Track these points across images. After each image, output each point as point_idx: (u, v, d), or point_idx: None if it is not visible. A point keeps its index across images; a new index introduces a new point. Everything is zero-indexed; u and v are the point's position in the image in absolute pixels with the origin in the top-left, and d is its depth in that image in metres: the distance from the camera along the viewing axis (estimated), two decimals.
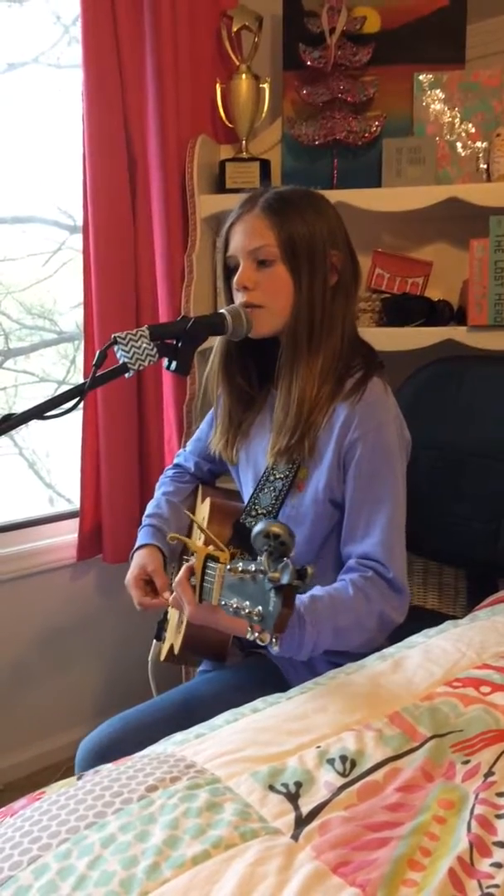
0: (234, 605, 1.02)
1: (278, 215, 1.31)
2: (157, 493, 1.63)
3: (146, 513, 1.57)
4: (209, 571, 1.14)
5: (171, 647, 1.45)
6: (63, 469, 2.41)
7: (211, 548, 1.15)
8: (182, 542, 1.27)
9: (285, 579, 0.93)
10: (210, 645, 1.36)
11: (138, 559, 1.47)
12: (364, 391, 1.32)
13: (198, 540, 1.47)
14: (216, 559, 1.13)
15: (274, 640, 0.96)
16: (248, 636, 0.98)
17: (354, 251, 1.39)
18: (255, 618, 0.97)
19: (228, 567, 1.05)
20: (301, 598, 1.21)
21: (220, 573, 1.09)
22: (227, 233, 1.37)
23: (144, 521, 1.55)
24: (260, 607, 0.97)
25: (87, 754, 1.31)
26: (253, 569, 1.00)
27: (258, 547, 0.97)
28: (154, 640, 1.56)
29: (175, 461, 1.71)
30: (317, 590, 1.25)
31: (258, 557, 0.98)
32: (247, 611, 0.99)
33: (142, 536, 1.52)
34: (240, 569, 1.03)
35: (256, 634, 0.97)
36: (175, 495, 1.61)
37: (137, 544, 1.51)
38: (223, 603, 1.06)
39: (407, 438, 1.40)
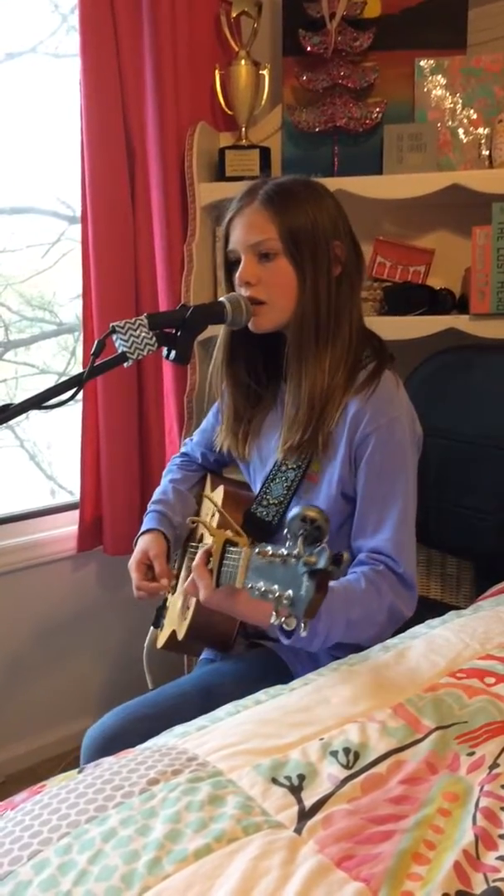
0: (262, 588, 0.99)
1: (279, 207, 1.28)
2: (164, 480, 1.62)
3: (152, 499, 1.57)
4: (229, 555, 1.12)
5: (173, 634, 1.44)
6: (64, 461, 2.40)
7: (229, 532, 1.14)
8: (202, 524, 1.26)
9: (322, 563, 0.90)
10: (216, 632, 1.35)
11: (142, 544, 1.46)
12: (377, 385, 1.30)
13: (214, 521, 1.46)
14: (235, 544, 1.11)
15: (304, 624, 0.93)
16: (273, 621, 0.96)
17: (357, 240, 1.37)
18: (285, 601, 0.94)
19: (257, 550, 1.03)
20: None
21: (245, 556, 1.07)
22: (227, 226, 1.34)
23: (150, 507, 1.54)
24: (291, 591, 0.94)
25: (91, 742, 1.31)
26: (284, 552, 0.97)
27: (293, 530, 0.95)
28: (151, 628, 1.55)
29: (182, 450, 1.70)
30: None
31: (287, 542, 0.96)
32: (277, 594, 0.96)
33: (147, 521, 1.51)
34: (269, 552, 1.00)
35: (283, 619, 0.94)
36: (182, 483, 1.60)
37: (142, 529, 1.50)
38: (249, 586, 1.02)
39: (418, 433, 1.38)
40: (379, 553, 1.28)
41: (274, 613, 0.96)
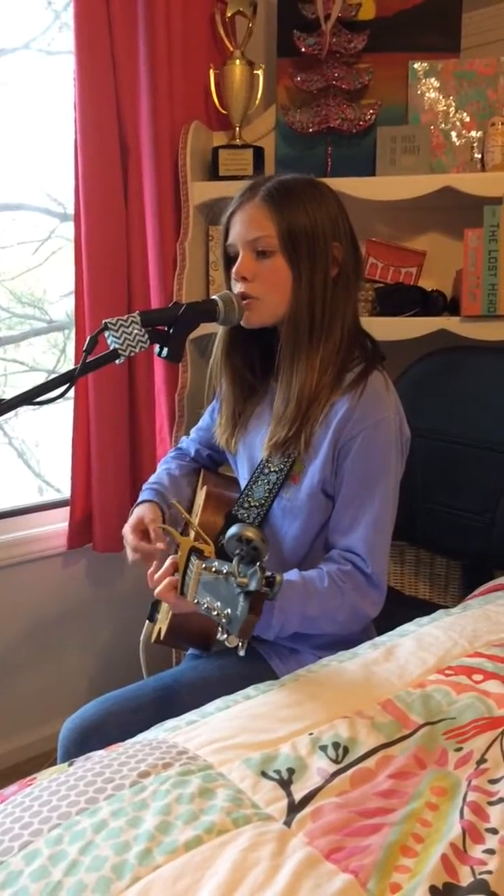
0: (206, 605, 1.03)
1: (279, 205, 1.29)
2: (159, 468, 1.63)
3: (147, 483, 1.58)
4: (191, 565, 1.14)
5: (160, 631, 1.45)
6: (52, 459, 2.40)
7: (196, 540, 1.15)
8: (169, 532, 1.27)
9: (253, 585, 0.93)
10: (193, 633, 1.37)
11: (137, 512, 1.47)
12: (365, 387, 1.30)
13: (191, 530, 1.46)
14: (200, 552, 1.12)
15: (241, 643, 0.96)
16: (218, 636, 0.99)
17: (357, 242, 1.37)
18: (224, 620, 0.97)
19: (204, 565, 1.06)
20: None
21: (196, 570, 1.09)
22: (227, 221, 1.35)
23: (145, 486, 1.56)
24: (229, 610, 0.97)
25: (70, 733, 1.31)
26: (225, 570, 1.00)
27: (230, 550, 0.97)
28: (147, 621, 1.56)
29: (178, 445, 1.71)
30: (293, 574, 1.26)
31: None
32: (216, 612, 0.99)
33: (143, 495, 1.52)
34: (213, 568, 1.03)
35: (225, 636, 0.97)
36: (176, 470, 1.61)
37: (138, 501, 1.51)
38: (197, 601, 1.06)
39: (406, 435, 1.38)
40: (350, 551, 1.30)
41: (219, 629, 0.99)
